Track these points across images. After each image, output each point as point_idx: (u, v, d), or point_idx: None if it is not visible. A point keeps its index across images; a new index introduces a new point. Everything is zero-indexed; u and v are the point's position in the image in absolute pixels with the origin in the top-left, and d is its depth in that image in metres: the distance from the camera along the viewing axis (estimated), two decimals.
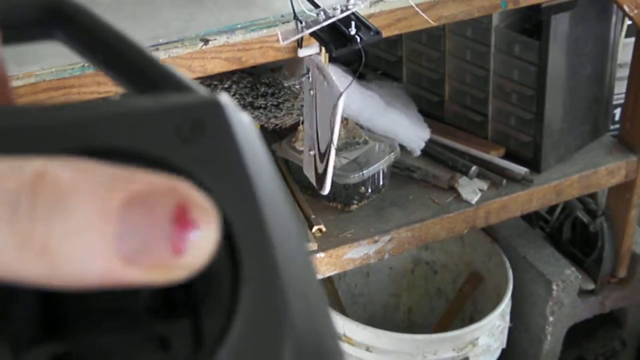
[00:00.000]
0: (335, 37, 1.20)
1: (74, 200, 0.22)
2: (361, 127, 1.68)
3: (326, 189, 1.36)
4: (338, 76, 1.55)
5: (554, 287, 1.79)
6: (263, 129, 1.71)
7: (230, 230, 0.25)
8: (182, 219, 0.23)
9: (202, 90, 0.29)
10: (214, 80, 1.62)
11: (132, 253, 0.23)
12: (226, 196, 0.26)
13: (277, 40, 1.23)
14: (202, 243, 0.23)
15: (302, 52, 1.25)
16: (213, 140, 0.26)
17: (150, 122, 0.26)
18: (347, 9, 1.19)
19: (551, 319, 1.83)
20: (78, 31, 0.32)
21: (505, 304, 1.74)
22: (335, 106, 1.22)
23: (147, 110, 0.26)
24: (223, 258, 0.25)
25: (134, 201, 0.23)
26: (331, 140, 1.27)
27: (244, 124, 0.27)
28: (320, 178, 1.35)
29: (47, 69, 1.13)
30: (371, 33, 1.19)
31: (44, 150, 0.25)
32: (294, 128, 1.65)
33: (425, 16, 1.30)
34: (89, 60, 0.33)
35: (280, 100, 1.61)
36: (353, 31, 1.18)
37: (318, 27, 1.16)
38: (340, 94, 1.21)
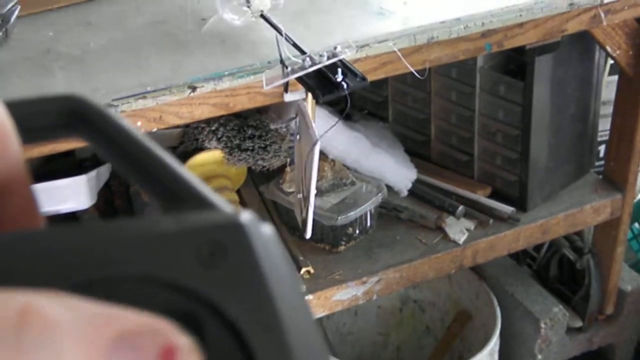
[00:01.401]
0: (321, 83, 1.20)
1: (61, 339, 0.22)
2: (348, 168, 1.69)
3: (307, 234, 1.36)
4: (324, 118, 1.57)
5: (542, 325, 1.79)
6: (250, 170, 1.72)
7: None
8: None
9: (225, 207, 0.29)
10: (201, 123, 1.63)
11: None
12: (249, 325, 0.25)
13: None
14: None
15: (288, 97, 1.26)
16: (235, 265, 0.26)
17: (171, 247, 0.26)
18: (334, 56, 1.20)
19: (539, 357, 1.83)
20: (100, 137, 0.32)
21: (494, 343, 1.74)
22: (312, 152, 1.23)
23: (168, 234, 0.26)
24: None
25: (122, 340, 0.23)
26: (310, 185, 1.27)
27: (266, 241, 0.27)
28: (304, 222, 1.35)
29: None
30: (357, 79, 1.20)
31: (62, 281, 0.25)
32: (281, 170, 1.65)
33: (408, 65, 1.32)
34: (113, 165, 0.33)
35: (267, 143, 1.61)
36: (340, 77, 1.19)
37: (303, 72, 1.17)
38: (316, 141, 1.21)
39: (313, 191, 1.30)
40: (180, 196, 0.30)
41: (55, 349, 0.22)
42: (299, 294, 0.28)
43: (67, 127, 0.32)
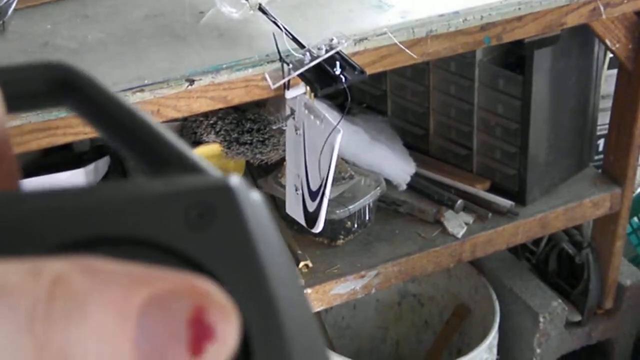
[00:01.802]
0: (320, 76, 1.20)
1: (92, 306, 0.22)
2: (346, 162, 1.68)
3: (319, 227, 1.36)
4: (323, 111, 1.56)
5: (541, 319, 1.79)
6: (248, 164, 1.71)
7: (245, 325, 0.25)
8: (199, 322, 0.23)
9: (213, 171, 0.29)
10: (199, 116, 1.63)
11: (150, 356, 0.23)
12: (238, 288, 0.25)
13: (262, 79, 1.24)
14: (219, 347, 0.23)
15: (289, 94, 1.25)
16: (223, 227, 0.26)
17: (159, 208, 0.26)
18: (332, 49, 1.20)
19: (538, 351, 1.83)
20: (88, 105, 0.32)
21: (493, 337, 1.74)
22: (332, 144, 1.23)
23: (156, 196, 0.26)
24: (237, 353, 0.25)
25: (151, 304, 0.23)
26: (327, 177, 1.27)
27: (255, 206, 0.27)
28: (312, 216, 1.35)
29: (32, 111, 1.13)
30: (356, 72, 1.19)
31: (48, 242, 0.25)
32: (279, 164, 1.65)
33: (410, 52, 1.31)
34: (100, 134, 0.32)
35: (266, 136, 1.61)
36: (338, 71, 1.19)
37: (304, 68, 1.17)
38: (339, 131, 1.21)
39: (330, 182, 1.29)
40: (169, 161, 0.30)
41: (86, 318, 0.22)
42: (287, 259, 0.27)
43: (55, 95, 0.32)
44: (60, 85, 0.32)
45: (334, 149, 1.24)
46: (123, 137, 0.31)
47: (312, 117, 1.28)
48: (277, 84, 1.19)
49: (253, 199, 0.27)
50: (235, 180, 0.27)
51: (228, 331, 0.23)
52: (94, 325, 0.22)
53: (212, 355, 0.23)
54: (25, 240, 0.25)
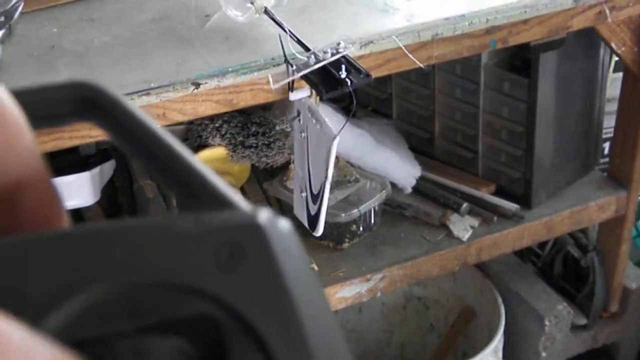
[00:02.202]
0: (325, 79, 1.20)
1: None
2: (352, 165, 1.68)
3: (319, 231, 1.36)
4: (329, 115, 1.56)
5: (547, 322, 1.79)
6: (254, 167, 1.71)
7: None
8: None
9: (241, 204, 0.29)
10: (205, 120, 1.63)
11: None
12: (269, 329, 0.25)
13: (268, 83, 1.24)
14: None
15: (294, 96, 1.25)
16: (253, 267, 0.26)
17: (191, 250, 0.26)
18: (338, 52, 1.20)
19: (544, 354, 1.83)
20: (113, 126, 0.31)
21: (498, 340, 1.74)
22: (329, 149, 1.23)
23: (184, 236, 0.26)
24: None
25: None
26: (325, 182, 1.27)
27: (285, 240, 0.27)
28: (313, 219, 1.35)
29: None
30: (361, 76, 1.19)
31: (72, 290, 0.25)
32: (285, 167, 1.65)
33: (413, 59, 1.31)
34: (127, 153, 0.32)
35: (271, 140, 1.61)
36: (343, 74, 1.19)
37: (308, 70, 1.17)
38: (335, 137, 1.21)
39: (328, 187, 1.29)
40: (196, 192, 0.30)
41: None
42: (319, 293, 0.27)
43: (80, 116, 0.31)
44: (86, 105, 0.31)
45: (331, 154, 1.24)
46: (150, 161, 0.31)
47: (314, 120, 1.28)
48: (279, 85, 1.19)
49: (282, 232, 0.27)
50: (264, 215, 0.27)
51: None
52: None
53: None
54: (45, 286, 0.24)
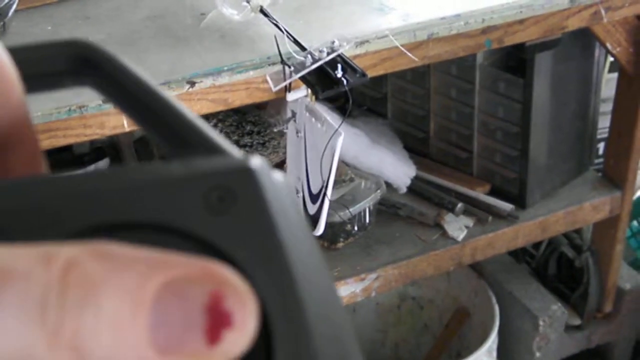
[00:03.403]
0: (321, 79, 1.20)
1: (106, 292, 0.22)
2: (347, 165, 1.68)
3: (320, 230, 1.35)
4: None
5: (541, 322, 1.79)
6: None
7: (265, 310, 0.24)
8: (217, 309, 0.22)
9: (234, 152, 0.28)
10: None
11: (166, 344, 0.22)
12: (258, 272, 0.25)
13: (264, 82, 1.24)
14: (237, 334, 0.22)
15: (291, 96, 1.25)
16: (244, 210, 0.25)
17: (178, 192, 0.25)
18: (333, 51, 1.19)
19: (538, 354, 1.83)
20: (108, 83, 0.31)
21: (492, 340, 1.74)
22: (333, 147, 1.22)
23: (175, 179, 0.25)
24: (257, 340, 0.24)
25: (167, 290, 0.22)
26: (328, 181, 1.27)
27: (277, 187, 0.26)
28: (313, 219, 1.35)
29: (33, 112, 1.13)
30: (357, 75, 1.19)
31: (66, 227, 0.24)
32: (280, 166, 1.65)
33: (411, 56, 1.31)
34: (121, 111, 0.32)
35: (266, 139, 1.61)
36: (339, 73, 1.18)
37: (306, 71, 1.16)
38: (341, 134, 1.21)
39: (331, 185, 1.29)
40: (190, 141, 0.29)
41: (100, 306, 0.22)
42: (311, 241, 0.26)
43: (75, 74, 0.31)
44: (81, 63, 0.31)
45: (335, 152, 1.24)
46: (143, 115, 0.30)
47: (313, 119, 1.28)
48: (279, 87, 1.19)
49: (275, 180, 0.26)
50: (257, 161, 0.26)
51: (246, 318, 0.23)
52: (108, 313, 0.22)
53: (229, 343, 0.22)
54: (40, 225, 0.24)
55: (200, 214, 0.25)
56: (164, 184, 0.25)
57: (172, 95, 0.30)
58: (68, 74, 0.31)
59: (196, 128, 0.29)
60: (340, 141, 1.23)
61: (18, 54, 0.30)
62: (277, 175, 0.27)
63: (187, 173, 0.26)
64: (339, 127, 1.22)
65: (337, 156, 1.25)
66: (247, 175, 0.25)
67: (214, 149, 0.29)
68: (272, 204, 0.25)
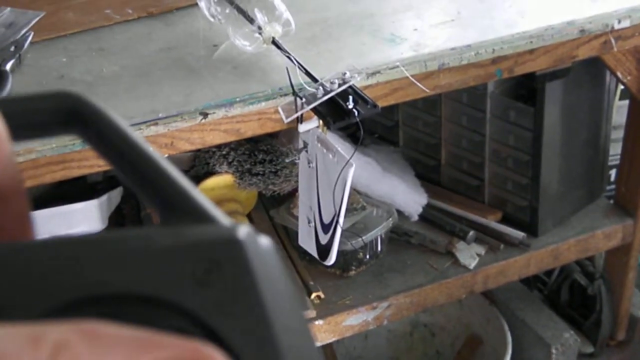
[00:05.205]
0: (332, 110, 1.21)
1: None
2: (358, 192, 1.69)
3: (332, 260, 1.36)
4: (336, 143, 1.57)
5: (553, 350, 1.78)
6: (261, 195, 1.72)
7: None
8: None
9: (222, 219, 0.28)
10: (212, 147, 1.63)
11: None
12: (244, 347, 0.25)
13: (276, 112, 1.25)
14: None
15: (303, 127, 1.26)
16: (230, 283, 0.25)
17: (165, 264, 0.25)
18: (344, 82, 1.20)
19: None
20: (96, 137, 0.32)
21: None
22: (344, 177, 1.23)
23: (162, 250, 0.26)
24: None
25: None
26: (339, 211, 1.27)
27: (263, 256, 0.26)
28: (325, 249, 1.35)
29: (48, 144, 1.14)
30: (368, 106, 1.20)
31: (54, 299, 0.24)
32: (292, 194, 1.66)
33: (422, 86, 1.32)
34: (109, 165, 0.32)
35: (278, 167, 1.62)
36: (351, 105, 1.19)
37: (317, 102, 1.17)
38: (352, 165, 1.21)
39: (343, 216, 1.29)
40: (177, 206, 0.29)
41: None
42: (297, 311, 0.27)
43: (63, 124, 0.31)
44: (69, 115, 0.31)
45: (347, 183, 1.25)
46: (130, 173, 0.31)
47: (324, 150, 1.29)
48: (291, 118, 1.20)
49: (262, 248, 0.26)
50: (243, 231, 0.26)
51: None
52: None
53: None
54: (28, 298, 0.24)
55: (187, 286, 0.25)
56: (151, 254, 0.26)
57: (157, 152, 0.30)
58: (56, 125, 0.32)
59: (183, 192, 0.30)
60: (351, 172, 1.24)
61: (7, 106, 0.30)
62: (264, 241, 0.27)
63: (174, 244, 0.26)
64: (350, 158, 1.23)
65: (349, 187, 1.26)
66: (233, 246, 0.26)
67: (201, 215, 0.29)
68: (257, 274, 0.26)
